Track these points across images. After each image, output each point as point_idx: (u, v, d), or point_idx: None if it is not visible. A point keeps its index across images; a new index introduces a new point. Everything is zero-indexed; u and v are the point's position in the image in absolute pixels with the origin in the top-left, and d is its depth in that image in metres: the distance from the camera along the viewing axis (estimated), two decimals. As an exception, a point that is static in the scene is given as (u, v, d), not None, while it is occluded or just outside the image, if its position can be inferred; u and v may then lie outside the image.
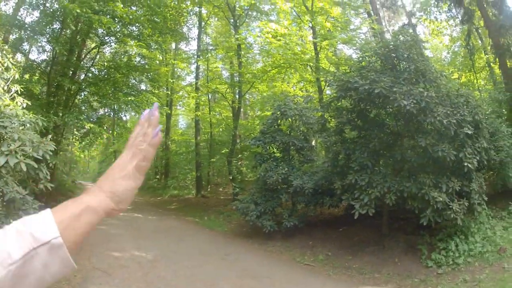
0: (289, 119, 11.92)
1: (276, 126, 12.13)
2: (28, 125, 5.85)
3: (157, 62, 21.06)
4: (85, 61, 18.66)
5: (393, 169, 8.91)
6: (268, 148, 12.05)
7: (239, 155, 20.30)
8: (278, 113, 11.90)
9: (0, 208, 4.95)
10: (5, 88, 6.63)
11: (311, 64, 16.76)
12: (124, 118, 27.72)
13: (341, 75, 9.61)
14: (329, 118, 10.40)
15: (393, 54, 8.84)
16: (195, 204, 19.14)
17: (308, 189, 9.86)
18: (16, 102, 6.68)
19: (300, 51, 17.16)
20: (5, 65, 6.44)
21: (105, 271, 7.10)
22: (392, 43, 9.09)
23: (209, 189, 23.37)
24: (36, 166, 4.55)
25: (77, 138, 18.63)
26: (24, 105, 6.90)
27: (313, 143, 13.72)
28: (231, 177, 18.91)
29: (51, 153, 5.22)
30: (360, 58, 9.98)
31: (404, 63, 8.89)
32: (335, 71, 12.55)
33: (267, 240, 10.34)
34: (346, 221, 8.95)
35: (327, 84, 12.21)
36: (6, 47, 6.78)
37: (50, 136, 6.04)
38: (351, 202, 8.42)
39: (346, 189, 8.65)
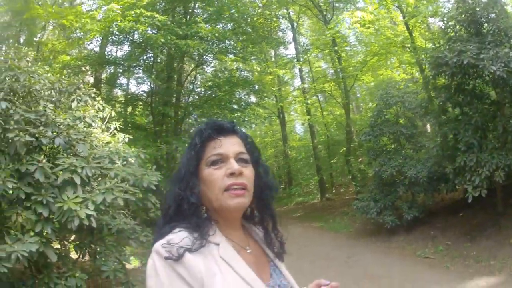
0: (394, 107, 11.60)
1: (382, 117, 11.84)
2: (131, 159, 6.27)
3: (256, 73, 21.27)
4: (186, 84, 19.33)
5: (498, 142, 8.39)
6: (378, 141, 11.89)
7: (357, 152, 20.00)
8: (382, 103, 11.67)
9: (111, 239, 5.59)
10: (103, 127, 7.07)
11: (408, 45, 16.30)
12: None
13: (431, 51, 9.30)
14: (431, 98, 10.06)
15: (474, 18, 8.36)
16: (320, 208, 19.18)
17: (423, 177, 9.57)
18: (118, 138, 7.08)
19: (392, 34, 16.66)
20: (96, 107, 6.91)
21: None
22: (471, 4, 8.56)
23: (333, 191, 23.04)
24: (133, 199, 4.91)
25: None
26: (126, 140, 7.30)
27: (426, 127, 13.28)
28: (350, 177, 18.82)
29: (157, 183, 5.55)
30: (446, 29, 9.48)
31: (486, 24, 8.42)
32: (431, 46, 12.08)
33: (390, 236, 10.18)
34: (465, 204, 8.60)
35: (423, 63, 11.87)
36: (94, 89, 7.41)
37: (154, 166, 6.60)
38: (464, 186, 8.12)
39: (458, 172, 8.30)
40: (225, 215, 1.41)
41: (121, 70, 17.62)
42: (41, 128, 4.81)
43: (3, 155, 4.60)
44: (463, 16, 8.64)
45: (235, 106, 18.08)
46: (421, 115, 10.66)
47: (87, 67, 16.64)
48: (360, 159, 19.08)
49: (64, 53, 17.80)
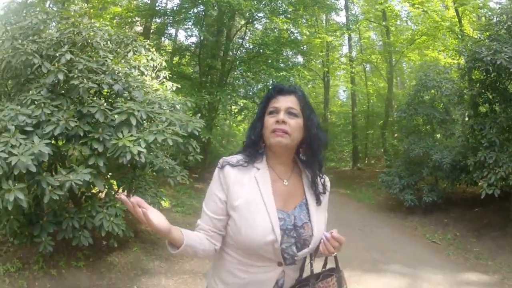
0: (431, 90, 11.69)
1: (419, 98, 11.98)
2: (177, 106, 6.85)
3: (305, 36, 21.03)
4: (235, 39, 19.47)
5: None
6: (412, 120, 12.10)
7: (393, 127, 20.12)
8: (420, 84, 11.77)
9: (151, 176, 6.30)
10: (153, 75, 7.64)
11: (456, 30, 16.12)
12: None
13: (471, 44, 9.43)
14: (465, 90, 10.14)
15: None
16: (350, 176, 19.54)
17: (446, 164, 9.74)
18: (166, 87, 7.72)
19: (440, 19, 16.53)
20: (149, 57, 7.48)
21: None
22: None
23: (365, 162, 23.36)
24: (181, 141, 5.41)
25: (232, 114, 19.58)
26: (174, 88, 7.91)
27: (458, 116, 13.45)
28: (382, 150, 19.08)
29: (199, 130, 6.10)
30: (487, 26, 9.51)
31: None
32: (473, 38, 12.05)
33: (407, 215, 10.55)
34: (482, 202, 8.86)
35: (459, 53, 11.81)
36: (148, 41, 8.03)
37: (199, 114, 7.23)
38: (480, 181, 8.37)
39: (477, 166, 8.51)
40: (273, 150, 1.99)
41: (170, 21, 17.96)
42: (102, 76, 5.39)
43: (64, 98, 5.28)
44: (505, 17, 8.74)
45: (282, 65, 18.11)
46: (455, 103, 10.79)
47: (137, 18, 17.52)
48: (395, 135, 19.27)
49: (114, 4, 18.40)
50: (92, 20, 6.78)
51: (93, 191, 6.03)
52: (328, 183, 2.15)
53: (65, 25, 5.99)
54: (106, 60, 5.81)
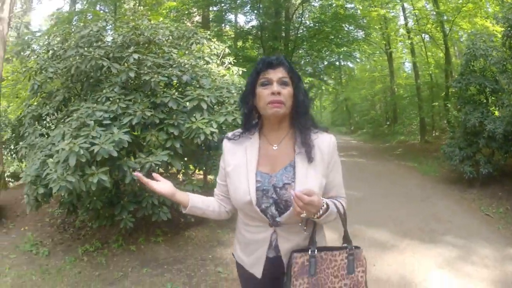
0: (480, 59, 11.44)
1: (470, 67, 11.72)
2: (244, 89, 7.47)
3: (359, 11, 20.59)
4: (294, 18, 19.40)
5: None
6: (466, 90, 11.94)
7: (453, 98, 19.68)
8: (469, 53, 11.59)
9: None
10: (218, 62, 8.06)
11: None
12: (351, 65, 28.50)
13: (505, 11, 9.15)
14: (507, 57, 9.75)
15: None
16: (418, 149, 19.19)
17: (499, 134, 9.35)
18: (232, 72, 8.18)
19: None
20: (212, 46, 7.99)
21: None
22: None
23: (433, 134, 22.78)
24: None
25: None
26: (240, 73, 8.38)
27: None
28: (445, 121, 18.83)
29: None
30: None
31: None
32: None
33: (467, 188, 10.29)
34: None
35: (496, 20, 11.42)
36: (208, 32, 8.43)
37: None
38: None
39: None
40: (268, 119, 2.14)
41: (227, 7, 18.34)
42: (170, 69, 5.90)
43: (137, 92, 5.81)
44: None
45: (342, 41, 18.31)
46: (500, 72, 10.57)
47: (194, 9, 17.93)
48: (459, 106, 18.92)
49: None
50: (152, 21, 7.42)
51: (171, 171, 6.57)
52: (327, 141, 2.14)
53: (126, 29, 6.56)
54: (171, 55, 6.33)
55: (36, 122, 6.76)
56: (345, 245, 2.13)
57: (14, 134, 13.84)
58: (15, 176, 12.31)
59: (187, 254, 6.04)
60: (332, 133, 2.19)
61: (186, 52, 7.38)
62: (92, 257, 6.10)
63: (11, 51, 15.55)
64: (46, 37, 7.78)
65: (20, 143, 6.69)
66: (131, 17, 7.44)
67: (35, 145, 6.02)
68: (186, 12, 18.25)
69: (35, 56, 7.58)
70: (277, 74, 2.07)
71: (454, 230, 7.13)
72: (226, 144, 2.29)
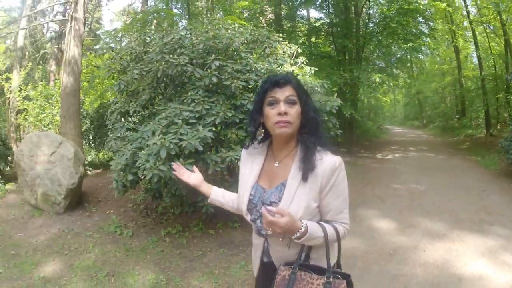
0: None
1: None
2: (317, 88, 8.06)
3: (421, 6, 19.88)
4: (363, 14, 19.58)
5: None
6: None
7: None
8: None
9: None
10: (291, 62, 8.74)
11: None
12: (421, 58, 28.16)
13: None
14: None
15: None
16: (483, 143, 19.31)
17: None
18: (305, 71, 8.83)
19: None
20: (283, 50, 8.65)
21: (381, 198, 9.27)
22: None
23: (498, 128, 22.23)
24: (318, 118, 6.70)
25: (373, 87, 19.80)
26: (312, 72, 9.06)
27: None
28: (506, 114, 18.68)
29: (336, 108, 7.22)
30: None
31: None
32: None
33: None
34: None
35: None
36: (280, 34, 9.10)
37: (335, 94, 8.13)
38: None
39: None
40: (276, 138, 2.24)
41: (298, 2, 18.58)
42: (248, 74, 6.68)
43: (219, 95, 6.61)
44: None
45: (409, 36, 18.11)
46: None
47: (267, 7, 18.50)
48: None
49: None
50: (228, 30, 8.15)
51: None
52: (328, 163, 2.13)
53: (206, 36, 7.36)
54: (248, 61, 7.12)
55: (123, 118, 7.73)
56: (334, 270, 2.20)
57: (92, 126, 15.10)
58: (93, 164, 13.43)
59: None
60: (339, 155, 2.21)
61: (261, 54, 8.16)
62: (173, 238, 7.04)
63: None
64: (126, 39, 8.70)
65: (110, 135, 7.61)
66: (209, 26, 8.21)
67: (124, 138, 6.96)
68: (259, 11, 18.91)
69: (115, 55, 8.64)
70: (284, 93, 2.14)
71: (504, 221, 7.48)
72: (243, 153, 2.51)
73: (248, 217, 2.34)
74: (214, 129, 6.16)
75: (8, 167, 13.55)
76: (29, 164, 9.36)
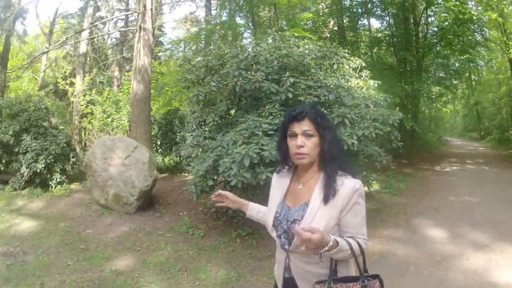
0: None
1: None
2: (380, 102, 8.57)
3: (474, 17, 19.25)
4: (421, 25, 19.54)
5: None
6: None
7: None
8: None
9: (363, 161, 8.08)
10: (356, 75, 9.32)
11: None
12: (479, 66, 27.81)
13: None
14: None
15: None
16: None
17: None
18: (369, 84, 9.39)
19: None
20: (349, 64, 9.28)
21: (436, 209, 9.67)
22: None
23: None
24: (381, 133, 7.14)
25: (433, 98, 19.90)
26: (375, 85, 9.58)
27: None
28: None
29: (398, 121, 7.63)
30: None
31: None
32: None
33: None
34: None
35: None
36: (346, 50, 9.72)
37: (397, 108, 8.76)
38: None
39: None
40: (298, 165, 2.51)
41: (359, 12, 18.95)
42: (319, 90, 7.35)
43: None
44: None
45: (465, 47, 18.13)
46: None
47: (330, 20, 18.87)
48: None
49: (303, 10, 20.19)
50: (300, 47, 8.77)
51: None
52: (348, 186, 2.33)
53: (280, 54, 7.98)
54: (318, 77, 7.81)
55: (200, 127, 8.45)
56: (365, 274, 2.38)
57: (160, 131, 15.96)
58: (159, 169, 14.16)
59: None
60: (359, 179, 2.41)
61: (329, 70, 8.79)
62: (243, 240, 7.74)
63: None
64: (189, 48, 9.43)
65: (186, 142, 8.36)
66: (281, 43, 8.80)
67: (202, 146, 7.70)
68: (321, 23, 19.37)
69: (192, 66, 9.36)
70: (301, 127, 2.35)
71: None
72: (274, 176, 2.74)
73: (274, 234, 2.55)
74: None
75: (71, 168, 14.44)
76: (102, 166, 10.17)
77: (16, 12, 19.39)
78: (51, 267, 6.84)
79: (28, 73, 28.62)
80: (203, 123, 8.62)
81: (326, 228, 2.28)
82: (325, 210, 2.31)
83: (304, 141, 2.33)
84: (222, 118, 8.36)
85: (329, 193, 2.31)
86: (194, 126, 8.56)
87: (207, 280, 6.02)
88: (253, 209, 2.93)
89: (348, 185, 2.32)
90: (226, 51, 9.06)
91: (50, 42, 26.50)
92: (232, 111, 8.50)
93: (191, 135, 8.38)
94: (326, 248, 2.14)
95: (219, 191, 2.84)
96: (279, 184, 2.64)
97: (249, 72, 7.50)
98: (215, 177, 6.98)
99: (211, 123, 8.49)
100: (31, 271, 6.65)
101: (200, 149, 7.86)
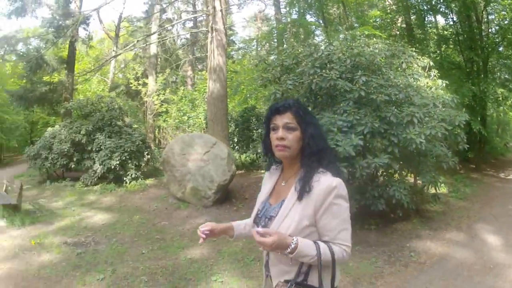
0: None
1: None
2: (448, 102, 8.87)
3: None
4: (484, 23, 18.90)
5: None
6: None
7: None
8: None
9: (431, 161, 8.33)
10: (425, 74, 9.63)
11: None
12: None
13: None
14: None
15: None
16: None
17: None
18: (437, 84, 9.60)
19: None
20: (417, 63, 9.64)
21: (495, 216, 9.78)
22: None
23: None
24: (446, 133, 7.48)
25: (499, 101, 18.92)
26: (444, 85, 9.78)
27: None
28: None
29: (464, 122, 8.03)
30: None
31: None
32: None
33: None
34: None
35: None
36: (413, 49, 10.07)
37: (463, 109, 8.81)
38: None
39: None
40: (282, 160, 2.47)
41: (425, 9, 18.75)
42: (390, 89, 7.88)
43: (366, 107, 7.76)
44: None
45: None
46: None
47: (397, 17, 19.07)
48: None
49: (371, 7, 20.57)
50: (370, 47, 9.22)
51: (390, 171, 8.40)
52: (324, 184, 2.23)
53: (352, 53, 8.48)
54: (389, 76, 8.27)
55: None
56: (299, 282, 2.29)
57: (237, 129, 16.73)
58: (235, 166, 14.99)
59: (391, 241, 7.87)
60: (339, 177, 2.30)
61: (399, 69, 9.19)
62: None
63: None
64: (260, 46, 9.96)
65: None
66: (352, 43, 9.16)
67: None
68: (389, 21, 19.54)
69: (267, 65, 9.91)
70: (283, 119, 2.32)
71: None
72: (265, 175, 2.73)
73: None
74: (363, 138, 7.31)
75: (146, 164, 15.37)
76: (180, 161, 10.90)
77: (79, 19, 20.54)
78: (124, 255, 7.46)
79: (97, 75, 29.85)
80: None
81: (297, 226, 2.23)
82: (299, 207, 2.25)
83: (286, 134, 2.32)
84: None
85: (303, 190, 2.25)
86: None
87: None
88: (239, 227, 2.75)
89: (324, 182, 2.23)
90: (300, 50, 9.60)
91: (117, 45, 27.89)
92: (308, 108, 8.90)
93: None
94: (288, 250, 2.12)
95: (203, 229, 2.53)
96: (267, 181, 2.66)
97: (323, 71, 8.04)
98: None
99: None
100: (103, 258, 7.26)
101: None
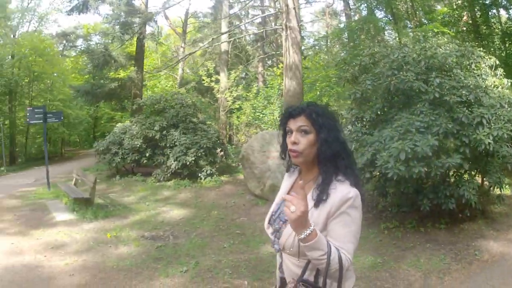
0: None
1: None
2: None
3: None
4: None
5: None
6: None
7: None
8: None
9: (498, 162, 8.45)
10: (492, 73, 9.73)
11: None
12: None
13: None
14: None
15: None
16: None
17: None
18: (504, 83, 9.67)
19: None
20: (484, 63, 9.70)
21: None
22: None
23: None
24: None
25: None
26: (509, 84, 9.80)
27: None
28: None
29: None
30: None
31: None
32: None
33: None
34: None
35: None
36: (480, 49, 10.09)
37: None
38: None
39: None
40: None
41: (488, 3, 18.61)
42: (461, 90, 8.20)
43: (440, 107, 8.22)
44: None
45: None
46: None
47: (464, 13, 18.93)
48: None
49: (438, 1, 20.62)
50: (441, 47, 9.61)
51: (460, 171, 8.62)
52: (341, 193, 2.20)
53: (426, 55, 8.98)
54: (460, 77, 8.71)
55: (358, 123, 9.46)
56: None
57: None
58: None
59: (458, 240, 8.16)
60: (358, 189, 2.26)
61: (468, 69, 9.51)
62: (390, 232, 8.73)
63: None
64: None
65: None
66: (425, 44, 9.50)
67: (360, 141, 8.76)
68: (456, 17, 19.57)
69: (345, 65, 10.47)
70: (296, 123, 2.30)
71: None
72: (284, 175, 2.74)
73: (269, 231, 2.52)
74: (437, 138, 7.61)
75: (220, 161, 15.94)
76: (260, 158, 11.55)
77: (147, 17, 21.26)
78: (205, 248, 8.07)
79: (164, 71, 30.52)
80: (360, 119, 9.50)
81: None
82: (314, 214, 2.22)
83: (299, 138, 2.29)
84: (378, 115, 9.25)
85: (321, 198, 2.22)
86: (351, 122, 9.50)
87: (356, 264, 6.78)
88: None
89: (340, 191, 2.20)
90: (376, 50, 10.18)
91: (185, 42, 28.60)
92: (385, 109, 9.34)
93: (348, 130, 9.21)
94: (307, 231, 2.01)
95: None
96: (286, 183, 2.66)
97: (401, 73, 8.50)
98: (372, 170, 8.08)
99: (367, 119, 9.33)
100: (184, 251, 7.89)
101: (358, 144, 8.80)
